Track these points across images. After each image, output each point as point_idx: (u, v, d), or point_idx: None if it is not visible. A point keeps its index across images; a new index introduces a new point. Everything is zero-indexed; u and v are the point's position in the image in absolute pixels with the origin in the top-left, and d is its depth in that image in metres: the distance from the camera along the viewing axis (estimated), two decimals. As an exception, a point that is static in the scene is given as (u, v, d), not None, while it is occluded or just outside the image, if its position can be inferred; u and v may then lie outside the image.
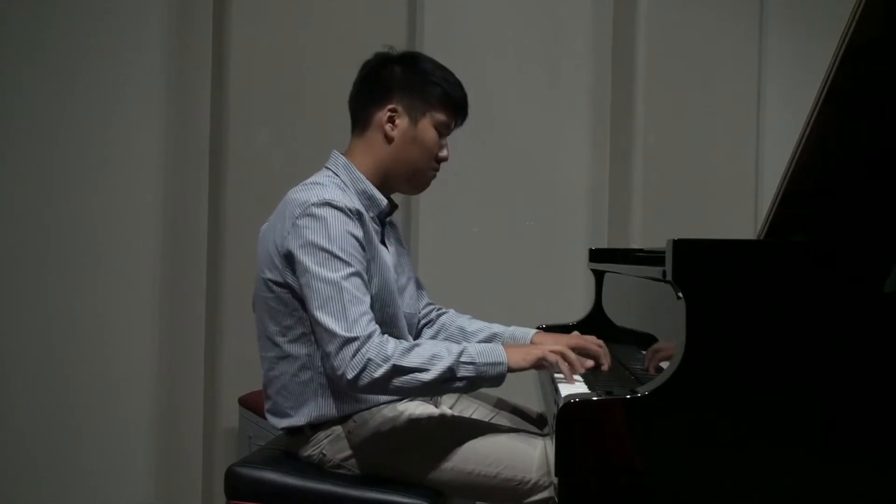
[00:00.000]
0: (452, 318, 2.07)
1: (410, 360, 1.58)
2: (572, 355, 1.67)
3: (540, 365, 1.66)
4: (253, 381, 2.56)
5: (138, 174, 3.01)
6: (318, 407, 1.72)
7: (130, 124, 3.00)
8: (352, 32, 3.18)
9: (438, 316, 2.08)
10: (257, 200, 3.01)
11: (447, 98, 1.80)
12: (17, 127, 2.93)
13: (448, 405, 1.96)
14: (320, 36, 3.18)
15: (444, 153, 1.84)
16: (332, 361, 1.58)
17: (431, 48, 3.12)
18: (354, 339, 1.56)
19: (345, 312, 1.58)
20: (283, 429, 1.78)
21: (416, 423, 1.74)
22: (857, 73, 1.54)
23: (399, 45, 3.17)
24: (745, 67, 3.34)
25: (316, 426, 1.74)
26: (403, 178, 1.83)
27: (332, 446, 1.74)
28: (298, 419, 1.73)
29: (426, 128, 1.79)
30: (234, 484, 1.73)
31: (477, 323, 2.06)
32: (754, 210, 3.30)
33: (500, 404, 2.02)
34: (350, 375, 1.56)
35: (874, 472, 1.38)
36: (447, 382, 1.60)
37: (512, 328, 2.03)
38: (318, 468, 1.75)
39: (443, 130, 1.82)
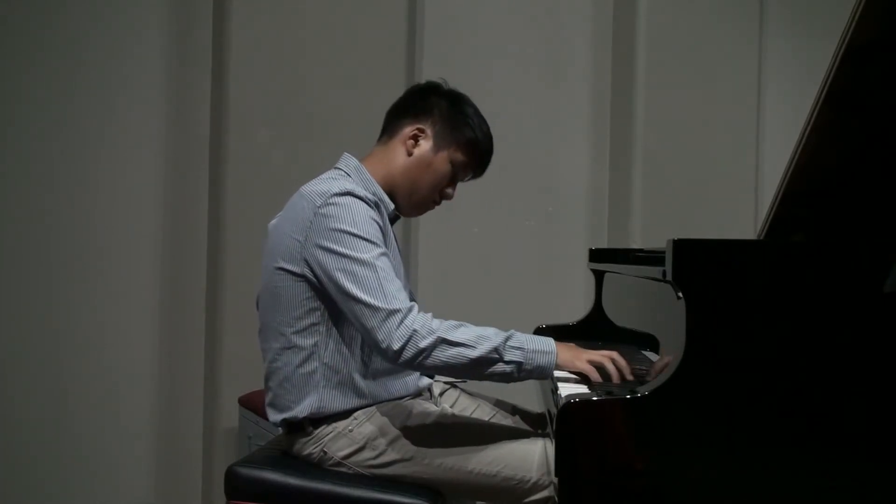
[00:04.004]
0: None
1: (457, 336, 1.59)
2: (619, 363, 1.64)
3: (582, 376, 1.63)
4: (253, 381, 2.56)
5: (138, 174, 3.01)
6: (319, 399, 1.73)
7: (130, 124, 3.00)
8: (352, 33, 3.19)
9: None
10: (257, 200, 3.02)
11: (474, 144, 1.86)
12: (17, 127, 2.93)
13: (448, 404, 1.97)
14: (320, 36, 3.18)
15: (449, 190, 1.90)
16: (377, 335, 1.60)
17: (431, 48, 3.12)
18: (397, 310, 1.59)
19: (382, 288, 1.61)
20: (282, 422, 1.78)
21: (416, 422, 1.74)
22: (857, 73, 1.54)
23: (399, 45, 3.22)
24: (745, 67, 3.34)
25: (316, 421, 1.74)
26: (405, 196, 1.87)
27: (332, 444, 1.74)
28: (299, 412, 1.73)
29: (443, 160, 1.85)
30: (234, 484, 1.73)
31: None
32: (754, 210, 3.30)
33: (500, 404, 2.02)
34: (396, 346, 1.58)
35: (874, 471, 1.38)
36: (493, 364, 1.60)
37: None
38: (317, 467, 1.75)
39: (458, 170, 1.87)
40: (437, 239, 3.16)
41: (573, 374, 1.66)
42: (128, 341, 3.01)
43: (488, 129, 1.89)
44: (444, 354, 1.58)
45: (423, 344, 1.58)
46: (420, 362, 1.59)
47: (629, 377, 1.64)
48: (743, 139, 3.34)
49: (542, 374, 1.63)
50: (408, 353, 1.58)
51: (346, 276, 1.63)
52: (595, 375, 1.62)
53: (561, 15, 3.23)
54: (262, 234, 1.86)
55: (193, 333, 3.02)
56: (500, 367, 1.60)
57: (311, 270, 1.69)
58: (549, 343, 1.63)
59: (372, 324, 1.60)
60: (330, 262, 1.65)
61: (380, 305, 1.60)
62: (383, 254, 1.67)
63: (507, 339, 1.61)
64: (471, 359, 1.59)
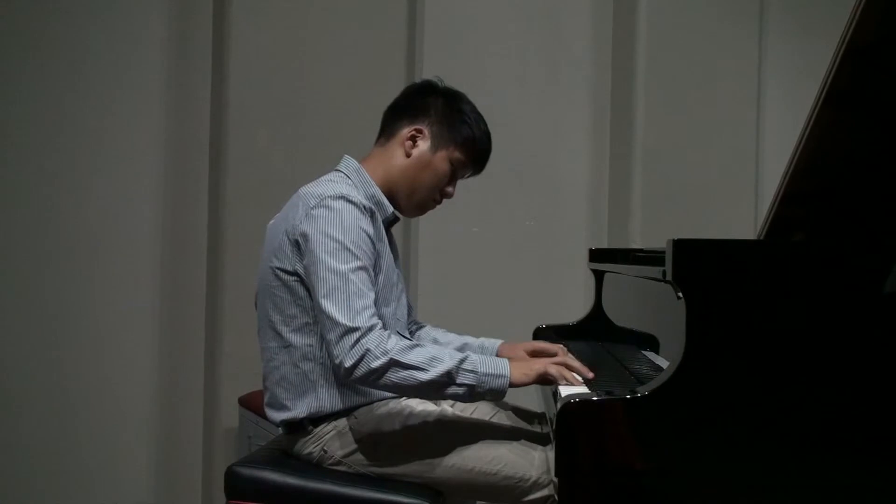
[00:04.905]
0: (428, 332, 2.10)
1: (409, 358, 1.60)
2: (575, 364, 1.67)
3: (543, 380, 1.66)
4: (253, 381, 2.56)
5: (138, 174, 3.02)
6: (317, 398, 1.73)
7: (130, 124, 3.01)
8: (352, 32, 3.19)
9: (417, 329, 2.10)
10: (257, 200, 3.02)
11: (472, 142, 1.86)
12: (17, 127, 2.93)
13: (449, 403, 1.97)
14: (320, 36, 3.18)
15: (449, 189, 1.89)
16: (333, 349, 1.61)
17: (432, 48, 3.12)
18: (356, 329, 1.59)
19: (349, 303, 1.61)
20: (281, 422, 1.79)
21: (417, 421, 1.75)
22: (857, 73, 1.54)
23: (399, 45, 3.23)
24: (745, 67, 3.33)
25: (316, 420, 1.75)
26: (405, 197, 1.87)
27: (333, 442, 1.74)
28: (298, 412, 1.74)
29: (442, 159, 1.84)
30: (234, 484, 1.73)
31: (450, 335, 2.09)
32: (754, 210, 3.30)
33: (500, 404, 2.02)
34: (348, 364, 1.59)
35: (874, 471, 1.38)
36: (445, 387, 1.61)
37: (480, 339, 2.06)
38: (317, 467, 1.75)
39: (457, 168, 1.87)
40: (437, 239, 3.16)
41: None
42: (128, 341, 3.01)
43: (486, 126, 1.89)
44: (396, 376, 1.59)
45: (375, 364, 1.58)
46: (372, 382, 1.61)
47: (588, 374, 1.64)
48: (743, 139, 3.34)
49: (495, 396, 1.65)
50: (359, 372, 1.59)
51: (319, 281, 1.64)
52: (556, 371, 1.63)
53: (561, 15, 3.23)
54: (261, 234, 1.86)
55: (193, 333, 3.02)
56: (452, 389, 1.62)
57: (303, 269, 1.69)
58: (503, 366, 1.64)
59: (330, 337, 1.62)
60: (309, 264, 1.67)
61: (340, 320, 1.60)
62: (361, 267, 1.66)
63: (462, 361, 1.61)
64: (422, 381, 1.60)
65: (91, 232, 2.98)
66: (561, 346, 1.93)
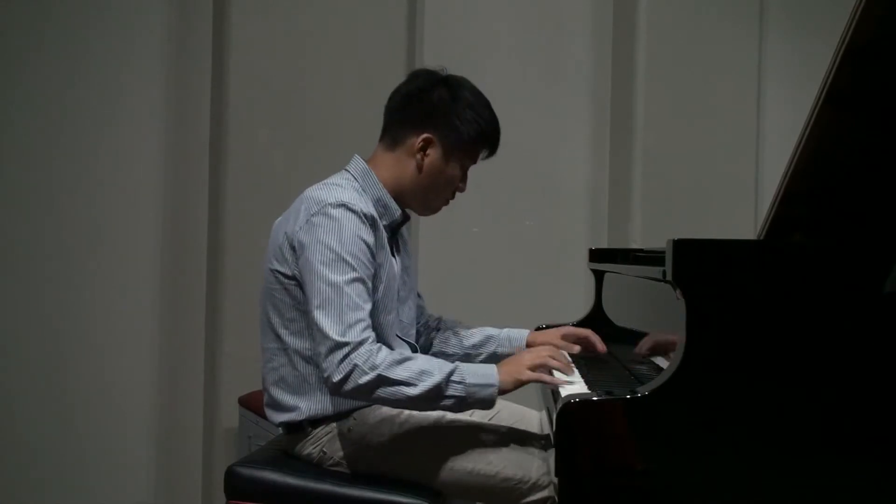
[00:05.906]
0: (448, 324, 2.10)
1: (398, 373, 1.58)
2: (559, 359, 1.66)
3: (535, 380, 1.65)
4: (253, 381, 2.56)
5: (138, 174, 3.02)
6: (315, 401, 1.73)
7: (131, 124, 3.01)
8: (352, 33, 3.19)
9: (436, 325, 2.10)
10: (257, 200, 3.02)
11: (482, 137, 1.82)
12: (17, 126, 2.93)
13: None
14: (320, 36, 3.18)
15: (462, 185, 1.86)
16: (321, 362, 1.61)
17: (431, 49, 3.12)
18: (345, 343, 1.58)
19: (341, 316, 1.60)
20: (281, 423, 1.79)
21: (415, 423, 1.74)
22: (857, 73, 1.54)
23: (399, 46, 3.23)
24: (745, 68, 3.34)
25: (315, 422, 1.75)
26: (418, 202, 1.85)
27: (332, 444, 1.74)
28: (297, 414, 1.74)
29: (455, 166, 1.81)
30: (234, 484, 1.73)
31: (471, 329, 2.08)
32: (754, 210, 3.30)
33: (500, 403, 2.02)
34: (336, 379, 1.58)
35: (874, 471, 1.38)
36: (435, 400, 1.60)
37: (506, 330, 2.05)
38: (317, 467, 1.75)
39: (469, 165, 1.85)
40: (437, 239, 3.15)
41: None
42: (128, 341, 3.01)
43: (491, 111, 1.83)
44: (384, 391, 1.59)
45: (363, 380, 1.57)
46: (361, 397, 1.61)
47: (569, 371, 1.66)
48: (743, 139, 3.34)
49: (484, 405, 1.64)
50: (347, 387, 1.58)
51: (313, 291, 1.63)
52: (549, 378, 1.63)
53: (561, 15, 3.23)
54: (261, 234, 1.86)
55: (193, 333, 3.01)
56: (442, 402, 1.61)
57: (301, 274, 1.69)
58: (490, 375, 1.62)
59: (319, 350, 1.61)
60: (305, 273, 1.66)
61: (330, 334, 1.59)
62: (358, 279, 1.64)
63: (450, 374, 1.60)
64: (410, 396, 1.59)
65: (91, 232, 2.98)
66: (589, 330, 1.96)
